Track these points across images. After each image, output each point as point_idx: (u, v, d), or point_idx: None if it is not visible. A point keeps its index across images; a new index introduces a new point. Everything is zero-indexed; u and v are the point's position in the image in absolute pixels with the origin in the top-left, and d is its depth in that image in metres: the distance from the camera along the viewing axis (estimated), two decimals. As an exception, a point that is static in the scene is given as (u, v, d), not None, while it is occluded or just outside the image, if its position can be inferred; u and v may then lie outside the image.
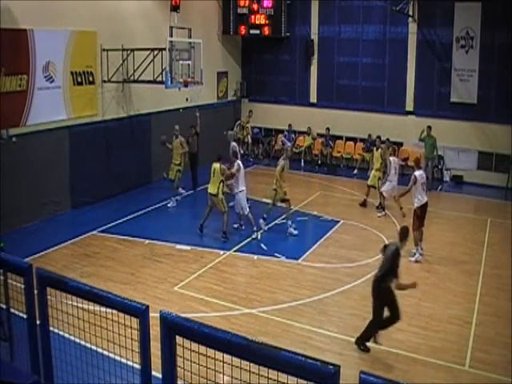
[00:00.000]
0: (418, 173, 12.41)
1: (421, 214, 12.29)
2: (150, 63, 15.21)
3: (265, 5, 21.23)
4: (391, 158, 15.47)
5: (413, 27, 19.88)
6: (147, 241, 13.06)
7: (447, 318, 9.71)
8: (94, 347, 5.24)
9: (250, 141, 22.48)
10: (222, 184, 13.32)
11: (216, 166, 13.37)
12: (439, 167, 19.71)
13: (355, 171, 20.63)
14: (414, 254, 12.21)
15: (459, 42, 19.14)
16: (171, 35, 15.11)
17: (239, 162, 13.97)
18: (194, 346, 3.37)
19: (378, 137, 17.49)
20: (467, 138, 19.27)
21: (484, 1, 18.41)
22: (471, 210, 17.07)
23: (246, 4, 21.39)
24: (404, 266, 12.12)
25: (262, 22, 21.31)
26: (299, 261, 12.17)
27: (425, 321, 9.56)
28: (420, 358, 8.38)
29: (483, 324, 9.48)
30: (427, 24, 19.64)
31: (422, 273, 11.76)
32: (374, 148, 16.70)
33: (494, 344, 8.83)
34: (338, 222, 14.83)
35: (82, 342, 5.22)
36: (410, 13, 19.36)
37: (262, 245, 12.98)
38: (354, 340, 8.71)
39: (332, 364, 2.88)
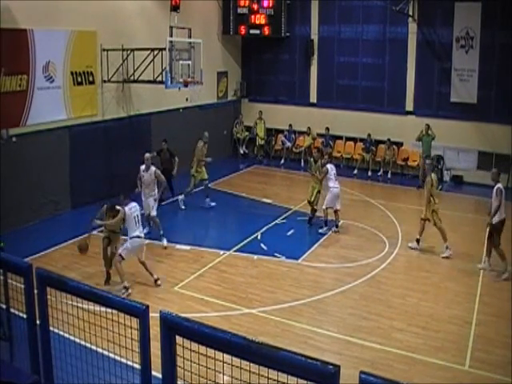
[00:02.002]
0: None
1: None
2: (150, 63, 15.20)
3: (265, 5, 21.22)
4: (328, 166, 14.16)
5: (413, 27, 19.87)
6: (147, 241, 13.02)
7: (447, 317, 9.70)
8: (94, 347, 5.24)
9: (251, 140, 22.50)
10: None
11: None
12: (439, 167, 19.70)
13: (355, 171, 20.62)
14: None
15: (459, 42, 19.14)
16: (171, 35, 15.10)
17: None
18: (194, 345, 3.38)
19: (318, 148, 15.94)
20: (467, 137, 19.26)
21: (484, 1, 18.40)
22: (471, 210, 17.04)
23: (246, 4, 21.38)
24: (404, 265, 12.24)
25: (262, 21, 21.30)
26: (299, 261, 12.16)
27: (425, 321, 9.56)
28: (420, 358, 8.38)
29: (483, 324, 9.48)
30: (427, 24, 19.63)
31: (422, 273, 11.76)
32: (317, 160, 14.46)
33: (493, 344, 8.83)
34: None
35: (82, 342, 5.22)
36: (410, 13, 19.35)
37: (262, 245, 12.98)
38: (354, 340, 8.74)
39: (332, 364, 2.88)
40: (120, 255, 10.35)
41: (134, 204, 10.75)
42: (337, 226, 14.06)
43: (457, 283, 11.20)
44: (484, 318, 9.67)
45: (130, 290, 10.21)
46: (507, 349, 8.60)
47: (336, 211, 13.98)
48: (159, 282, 10.72)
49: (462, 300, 10.44)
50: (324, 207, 14.00)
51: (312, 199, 14.22)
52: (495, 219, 11.37)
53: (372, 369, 7.53)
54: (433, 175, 12.88)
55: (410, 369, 8.09)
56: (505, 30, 18.24)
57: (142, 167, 13.20)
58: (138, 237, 10.60)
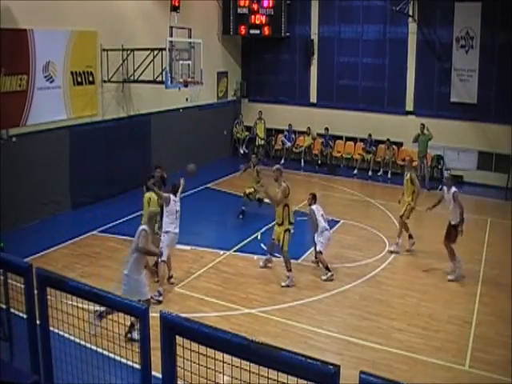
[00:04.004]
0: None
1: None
2: (149, 63, 15.21)
3: (265, 5, 21.21)
4: (314, 207, 12.02)
5: (413, 27, 19.88)
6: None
7: (447, 317, 9.71)
8: (94, 347, 5.24)
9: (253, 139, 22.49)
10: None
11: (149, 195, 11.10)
12: (439, 167, 19.71)
13: (355, 171, 20.63)
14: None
15: (459, 42, 19.14)
16: (171, 35, 15.10)
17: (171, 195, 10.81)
18: (194, 346, 3.38)
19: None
20: (467, 137, 19.26)
21: (484, 1, 18.40)
22: (471, 210, 16.96)
23: (246, 4, 21.37)
24: (404, 266, 12.24)
25: (262, 21, 21.29)
26: (299, 261, 12.16)
27: (425, 321, 9.56)
28: (420, 358, 8.38)
29: (483, 324, 9.49)
30: (427, 24, 19.64)
31: (422, 273, 11.77)
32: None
33: (493, 344, 8.83)
34: (338, 222, 14.81)
35: (82, 342, 5.23)
36: (410, 13, 19.34)
37: (262, 245, 12.97)
38: (354, 340, 8.74)
39: (332, 364, 2.88)
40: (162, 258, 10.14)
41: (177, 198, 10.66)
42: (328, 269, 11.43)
43: (456, 283, 11.20)
44: (484, 318, 9.68)
45: (161, 298, 10.00)
46: (507, 349, 8.61)
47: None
48: (172, 280, 10.78)
49: (461, 300, 10.45)
50: (320, 249, 11.61)
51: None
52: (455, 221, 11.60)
53: (372, 369, 7.52)
54: (413, 174, 12.97)
55: (410, 369, 8.09)
56: (505, 30, 18.24)
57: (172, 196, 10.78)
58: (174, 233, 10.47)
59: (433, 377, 7.94)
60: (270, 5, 21.18)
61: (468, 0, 18.66)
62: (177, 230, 10.50)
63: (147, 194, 11.11)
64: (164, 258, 10.18)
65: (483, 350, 8.66)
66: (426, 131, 18.61)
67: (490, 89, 18.82)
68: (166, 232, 10.34)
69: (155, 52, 15.12)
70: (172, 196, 10.59)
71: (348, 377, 3.33)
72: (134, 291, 7.97)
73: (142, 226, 8.54)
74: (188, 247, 12.74)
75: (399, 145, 20.59)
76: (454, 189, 11.53)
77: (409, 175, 12.86)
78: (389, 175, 20.17)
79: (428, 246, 13.04)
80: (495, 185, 18.56)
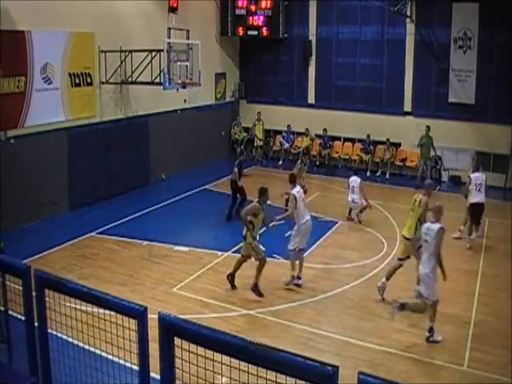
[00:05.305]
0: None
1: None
2: (148, 64, 15.22)
3: (263, 6, 21.24)
4: (295, 191, 10.95)
5: (411, 28, 19.92)
6: (145, 242, 13.05)
7: (446, 318, 9.69)
8: (92, 349, 5.23)
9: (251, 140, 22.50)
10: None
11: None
12: (437, 167, 19.73)
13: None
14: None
15: (457, 43, 19.18)
16: (169, 36, 15.11)
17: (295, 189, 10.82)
18: (193, 347, 3.37)
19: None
20: (465, 138, 19.29)
21: (482, 1, 18.44)
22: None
23: (244, 5, 21.41)
24: (405, 268, 12.22)
25: (260, 23, 21.33)
26: (297, 262, 12.12)
27: (423, 321, 9.55)
28: (419, 359, 8.39)
29: (482, 324, 9.49)
30: (425, 24, 19.68)
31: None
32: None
33: (492, 344, 8.83)
34: (337, 222, 14.83)
35: (81, 344, 5.22)
36: (408, 13, 19.40)
37: (261, 246, 12.93)
38: (353, 341, 8.75)
39: (330, 365, 2.88)
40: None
41: (298, 188, 10.85)
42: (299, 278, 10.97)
43: (456, 283, 11.16)
44: (482, 318, 9.69)
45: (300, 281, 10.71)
46: (506, 349, 8.62)
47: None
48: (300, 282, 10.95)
49: (460, 300, 10.44)
50: (292, 247, 10.86)
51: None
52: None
53: (371, 369, 7.52)
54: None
55: (409, 369, 8.10)
56: (503, 31, 18.31)
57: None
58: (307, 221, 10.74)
59: (432, 377, 7.96)
60: (268, 6, 21.21)
61: (466, 0, 18.71)
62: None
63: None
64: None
65: (482, 350, 8.66)
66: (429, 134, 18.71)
67: (488, 89, 18.84)
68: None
69: (153, 53, 15.15)
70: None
71: (347, 377, 3.32)
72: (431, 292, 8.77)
73: (440, 225, 8.65)
74: (186, 248, 12.74)
75: (397, 145, 20.61)
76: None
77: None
78: (387, 176, 20.19)
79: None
80: (493, 185, 18.52)
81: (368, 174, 20.15)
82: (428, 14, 19.55)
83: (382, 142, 20.47)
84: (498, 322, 9.52)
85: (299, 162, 16.02)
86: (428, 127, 18.71)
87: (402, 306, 8.73)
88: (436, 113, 19.71)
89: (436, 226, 8.61)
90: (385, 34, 20.49)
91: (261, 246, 10.65)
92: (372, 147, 20.68)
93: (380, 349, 8.61)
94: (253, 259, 10.60)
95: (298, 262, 10.95)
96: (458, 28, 19.04)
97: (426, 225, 8.89)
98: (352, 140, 21.41)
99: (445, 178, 19.87)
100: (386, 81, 20.71)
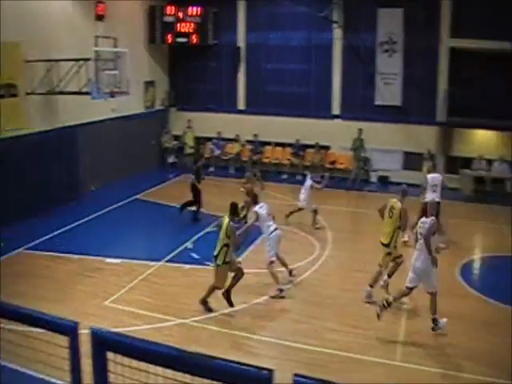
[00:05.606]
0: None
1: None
2: (75, 74, 14.86)
3: (191, 13, 21.16)
4: (256, 208, 11.37)
5: (338, 33, 20.38)
6: (77, 256, 12.70)
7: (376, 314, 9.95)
8: (22, 369, 5.08)
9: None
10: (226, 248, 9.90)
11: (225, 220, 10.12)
12: (365, 169, 20.23)
13: (284, 176, 20.90)
14: None
15: (383, 47, 19.84)
16: (96, 45, 14.84)
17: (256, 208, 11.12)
18: (128, 360, 3.34)
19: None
20: (392, 139, 19.94)
21: (405, 7, 19.19)
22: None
23: (173, 12, 21.25)
24: (334, 267, 12.50)
25: (189, 30, 21.22)
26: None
27: (356, 319, 9.79)
28: (353, 356, 8.60)
29: (411, 317, 9.88)
30: (352, 29, 20.19)
31: (352, 272, 12.10)
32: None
33: (423, 337, 9.18)
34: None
35: (10, 365, 5.05)
36: (335, 19, 19.87)
37: (193, 254, 12.91)
38: (288, 343, 8.88)
39: (266, 369, 2.91)
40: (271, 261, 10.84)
41: (261, 204, 11.25)
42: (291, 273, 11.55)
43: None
44: (412, 312, 10.05)
45: (283, 293, 10.70)
46: (437, 340, 8.98)
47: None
48: (294, 273, 11.42)
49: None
50: (272, 259, 11.04)
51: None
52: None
53: (307, 370, 7.55)
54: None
55: (344, 368, 8.28)
56: (426, 34, 19.11)
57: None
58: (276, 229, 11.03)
59: (367, 373, 8.16)
60: (197, 13, 21.15)
61: (390, 6, 19.39)
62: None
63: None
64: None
65: (412, 342, 9.00)
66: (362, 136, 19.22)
67: (413, 91, 19.60)
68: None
69: (80, 62, 14.79)
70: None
71: (284, 380, 3.37)
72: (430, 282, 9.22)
73: (432, 218, 9.38)
74: (119, 260, 12.48)
75: (327, 148, 21.03)
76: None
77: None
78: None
79: (357, 246, 13.36)
80: (420, 184, 19.23)
81: (298, 177, 20.36)
82: (354, 19, 20.09)
83: (311, 146, 20.84)
84: (427, 314, 9.81)
85: (248, 173, 16.24)
86: (360, 130, 19.22)
87: (388, 304, 9.20)
88: (364, 115, 20.19)
89: (429, 219, 9.32)
90: (313, 39, 20.86)
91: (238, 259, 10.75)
92: (302, 151, 21.00)
93: (316, 349, 8.76)
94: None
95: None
96: (383, 32, 19.71)
97: (422, 219, 9.52)
98: (282, 144, 21.67)
99: (373, 178, 20.43)
100: (315, 85, 21.10)
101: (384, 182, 20.17)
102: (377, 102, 20.13)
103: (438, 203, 13.16)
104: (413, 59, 19.49)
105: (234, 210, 10.33)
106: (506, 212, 15.44)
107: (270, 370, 2.92)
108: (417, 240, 9.44)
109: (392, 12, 19.48)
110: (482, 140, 19.28)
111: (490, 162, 18.67)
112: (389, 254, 10.51)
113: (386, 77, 19.95)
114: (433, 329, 9.26)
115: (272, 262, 10.95)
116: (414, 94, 19.64)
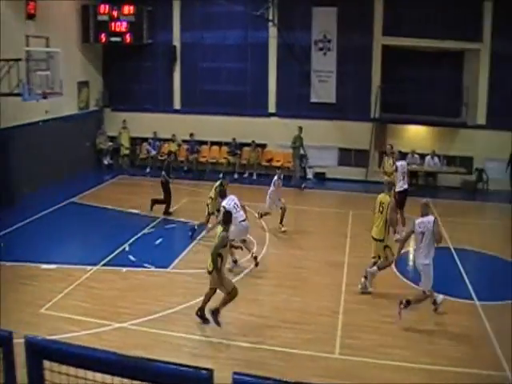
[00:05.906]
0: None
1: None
2: (5, 75, 14.34)
3: (125, 12, 20.76)
4: (225, 202, 12.24)
5: (273, 31, 20.58)
6: (10, 263, 12.22)
7: (316, 310, 10.16)
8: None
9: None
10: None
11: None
12: (302, 166, 20.48)
13: (221, 175, 20.86)
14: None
15: (317, 45, 20.21)
16: (27, 45, 14.37)
17: None
18: (66, 368, 3.30)
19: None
20: (328, 135, 20.33)
21: (339, 6, 19.60)
22: (334, 205, 17.93)
23: (106, 11, 20.79)
24: (273, 264, 12.62)
25: (123, 29, 20.84)
26: (169, 269, 12.08)
27: (296, 315, 9.94)
28: (294, 352, 8.73)
29: (350, 312, 10.08)
30: (287, 28, 20.42)
31: (291, 269, 12.28)
32: None
33: (360, 330, 9.42)
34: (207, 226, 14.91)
35: None
36: (270, 17, 19.99)
37: (131, 256, 12.74)
38: (228, 342, 8.96)
39: (205, 369, 2.94)
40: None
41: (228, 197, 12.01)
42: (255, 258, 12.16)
43: (324, 276, 11.77)
44: (350, 307, 10.30)
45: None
46: (374, 333, 9.25)
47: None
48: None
49: (329, 292, 10.98)
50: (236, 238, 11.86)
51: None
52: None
53: (247, 368, 7.72)
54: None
55: (284, 364, 8.38)
56: (359, 33, 19.60)
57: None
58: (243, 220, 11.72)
59: (307, 368, 8.32)
60: (131, 11, 20.77)
61: (324, 5, 19.74)
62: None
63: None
64: None
65: (351, 336, 9.22)
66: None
67: (348, 88, 20.07)
68: None
69: (11, 63, 14.29)
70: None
71: (224, 379, 3.41)
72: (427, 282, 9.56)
73: (433, 216, 9.75)
74: (53, 266, 12.12)
75: (263, 146, 21.20)
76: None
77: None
78: (254, 176, 20.71)
79: (296, 243, 13.54)
80: (355, 179, 19.82)
81: (236, 176, 20.45)
82: (289, 17, 20.34)
83: (248, 144, 20.96)
84: (365, 309, 10.15)
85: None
86: (300, 128, 19.43)
87: (408, 303, 9.50)
88: (300, 113, 20.43)
89: (431, 218, 9.58)
90: (248, 38, 20.96)
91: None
92: (238, 150, 21.08)
93: (256, 347, 8.84)
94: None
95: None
96: (318, 31, 20.08)
97: (418, 220, 9.69)
98: (219, 143, 21.69)
99: (310, 175, 20.75)
100: (251, 83, 21.23)
101: (320, 179, 20.53)
102: (312, 100, 20.47)
103: (406, 190, 14.51)
104: (347, 57, 19.94)
105: (226, 218, 9.67)
106: (439, 205, 15.96)
107: (210, 370, 2.96)
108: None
109: (326, 11, 19.88)
110: (414, 135, 19.98)
111: (422, 156, 19.29)
112: (386, 246, 10.74)
113: (321, 74, 20.32)
114: (435, 310, 9.94)
115: (244, 241, 12.18)
116: (348, 91, 20.10)
